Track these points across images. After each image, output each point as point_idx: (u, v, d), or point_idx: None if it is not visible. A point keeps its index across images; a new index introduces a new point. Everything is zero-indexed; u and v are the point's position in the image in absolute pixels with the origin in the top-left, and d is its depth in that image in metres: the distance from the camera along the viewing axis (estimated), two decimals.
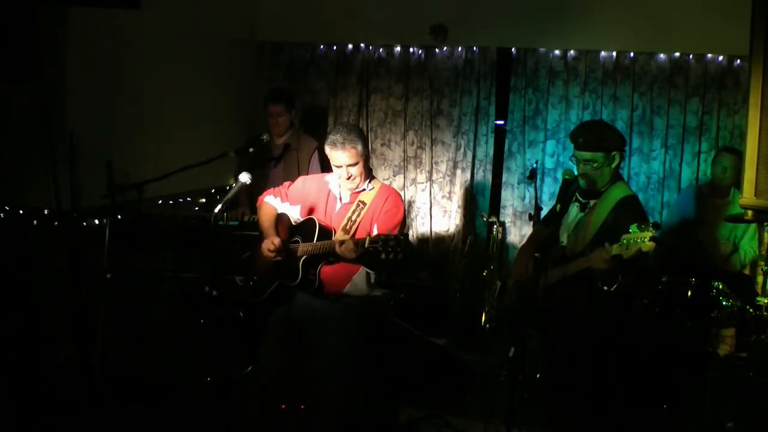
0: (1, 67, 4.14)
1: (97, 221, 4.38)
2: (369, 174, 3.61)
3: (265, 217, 3.72)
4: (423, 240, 6.26)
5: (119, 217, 4.27)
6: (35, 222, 4.31)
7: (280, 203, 3.74)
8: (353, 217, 3.53)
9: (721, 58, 5.48)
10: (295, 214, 3.72)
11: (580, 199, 3.65)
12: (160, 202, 4.85)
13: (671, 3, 5.42)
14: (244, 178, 3.54)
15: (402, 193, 6.26)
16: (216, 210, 3.39)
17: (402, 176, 6.26)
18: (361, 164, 3.48)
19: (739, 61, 5.41)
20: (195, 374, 4.30)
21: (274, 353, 3.66)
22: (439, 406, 4.36)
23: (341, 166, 3.47)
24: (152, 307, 4.63)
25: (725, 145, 5.23)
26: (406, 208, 6.26)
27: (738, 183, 4.97)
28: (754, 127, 3.30)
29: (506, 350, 3.46)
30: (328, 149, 3.49)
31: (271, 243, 3.56)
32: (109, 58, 4.61)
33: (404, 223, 3.62)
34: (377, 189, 3.59)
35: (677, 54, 5.56)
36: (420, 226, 6.27)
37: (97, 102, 4.53)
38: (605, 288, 3.38)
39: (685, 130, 5.62)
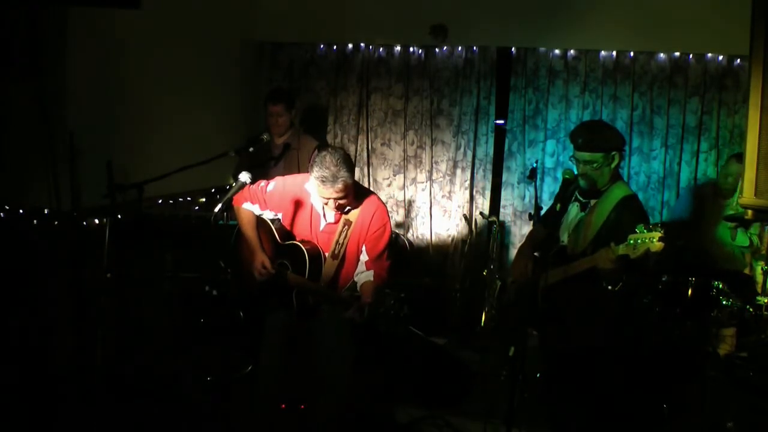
0: (1, 67, 4.14)
1: (97, 221, 4.38)
2: (356, 195, 3.44)
3: (248, 226, 3.63)
4: (423, 240, 6.25)
5: (119, 217, 4.27)
6: (35, 222, 4.31)
7: (259, 210, 3.63)
8: (340, 240, 3.44)
9: (721, 57, 5.47)
10: (278, 218, 3.64)
11: (581, 198, 3.65)
12: (160, 202, 4.85)
13: (671, 3, 5.41)
14: (244, 177, 3.53)
15: (402, 193, 6.26)
16: (216, 210, 3.39)
17: (402, 176, 6.26)
18: (350, 194, 3.35)
19: (739, 60, 5.41)
20: (195, 374, 4.31)
21: (276, 356, 3.65)
22: (439, 406, 4.36)
23: (329, 199, 3.33)
24: (152, 307, 4.63)
25: (737, 152, 5.12)
26: (406, 208, 6.26)
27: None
28: (754, 127, 3.30)
29: (506, 350, 3.47)
30: (316, 183, 3.31)
31: (261, 264, 3.53)
32: (109, 58, 4.61)
33: (391, 241, 3.54)
34: (361, 204, 3.47)
35: (677, 54, 5.56)
36: (420, 226, 6.27)
37: (97, 102, 4.53)
38: (609, 288, 3.38)
39: (684, 129, 5.62)
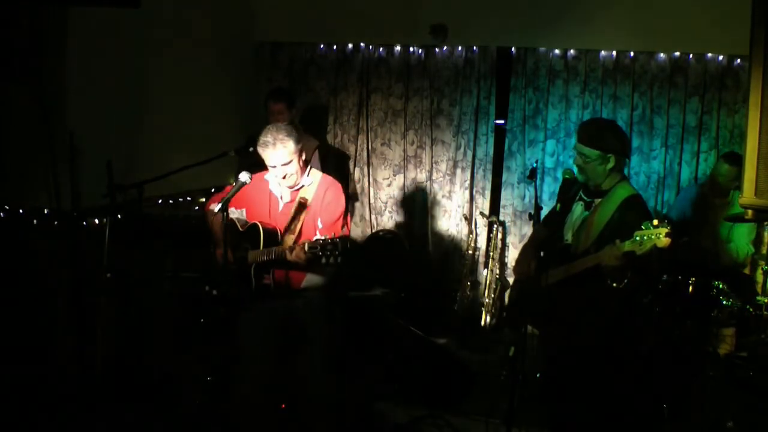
0: (1, 67, 4.14)
1: (97, 221, 4.38)
2: (306, 169, 3.61)
3: (215, 225, 3.70)
4: (423, 240, 6.25)
5: (119, 216, 4.27)
6: (35, 222, 4.31)
7: None
8: (296, 216, 3.55)
9: (721, 57, 5.47)
10: (243, 217, 3.71)
11: (585, 198, 3.66)
12: (160, 202, 4.85)
13: (671, 3, 5.41)
14: (244, 177, 3.54)
15: (402, 193, 6.27)
16: (216, 210, 3.40)
17: (402, 176, 6.26)
18: (295, 161, 3.49)
19: (739, 60, 5.41)
20: (195, 373, 4.31)
21: (255, 358, 3.69)
22: (439, 406, 4.36)
23: (275, 166, 3.47)
24: (152, 307, 4.64)
25: (727, 152, 5.13)
26: (406, 208, 6.26)
27: (738, 185, 4.97)
28: (754, 127, 3.29)
29: (506, 350, 3.47)
30: (260, 150, 3.49)
31: (221, 256, 3.57)
32: (109, 58, 4.61)
33: (347, 214, 3.66)
34: (316, 182, 3.62)
35: (677, 54, 5.56)
36: (420, 226, 6.26)
37: (97, 102, 4.53)
38: (614, 285, 3.38)
39: (684, 129, 5.62)
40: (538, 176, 5.81)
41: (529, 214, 3.77)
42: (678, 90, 5.60)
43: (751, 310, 4.27)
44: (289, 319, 3.63)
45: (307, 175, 3.61)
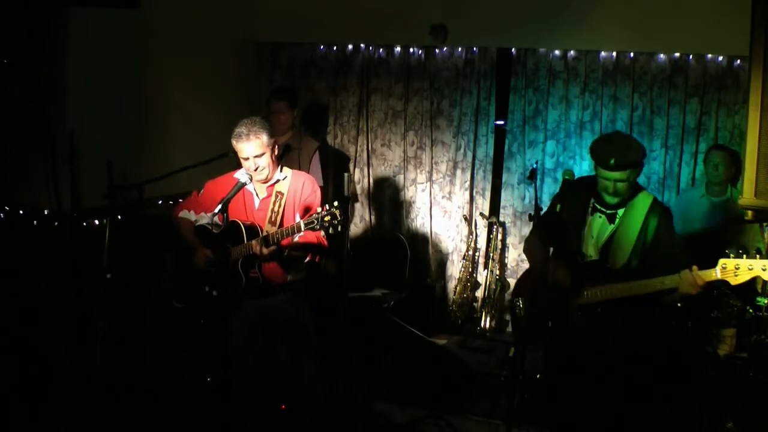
0: (1, 67, 4.14)
1: (97, 221, 4.38)
2: (278, 165, 3.66)
3: (186, 231, 3.75)
4: (423, 240, 6.25)
5: (119, 217, 4.27)
6: (35, 222, 4.31)
7: (194, 216, 3.76)
8: (275, 209, 3.59)
9: (721, 58, 5.47)
10: (214, 221, 3.69)
11: (603, 210, 3.49)
12: (160, 202, 4.85)
13: (671, 3, 5.41)
14: (244, 178, 3.55)
15: (402, 193, 6.27)
16: (216, 210, 3.40)
17: (402, 176, 6.26)
18: (267, 155, 3.54)
19: (739, 61, 5.40)
20: (195, 374, 4.30)
21: (247, 361, 3.71)
22: (439, 406, 4.36)
23: (248, 158, 3.51)
24: (152, 307, 4.63)
25: (714, 144, 5.20)
26: (406, 208, 6.27)
27: (733, 180, 4.98)
28: (754, 127, 3.30)
29: (506, 350, 3.46)
30: (234, 142, 3.54)
31: (203, 255, 3.63)
32: (109, 58, 4.61)
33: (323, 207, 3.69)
34: (290, 177, 3.67)
35: (677, 54, 5.56)
36: (420, 226, 6.27)
37: (98, 102, 4.53)
38: (678, 305, 3.31)
39: (684, 130, 5.61)
40: (538, 177, 5.80)
41: (529, 214, 3.69)
42: (678, 91, 5.59)
43: (751, 310, 4.27)
44: (277, 315, 3.65)
45: (280, 171, 3.67)
